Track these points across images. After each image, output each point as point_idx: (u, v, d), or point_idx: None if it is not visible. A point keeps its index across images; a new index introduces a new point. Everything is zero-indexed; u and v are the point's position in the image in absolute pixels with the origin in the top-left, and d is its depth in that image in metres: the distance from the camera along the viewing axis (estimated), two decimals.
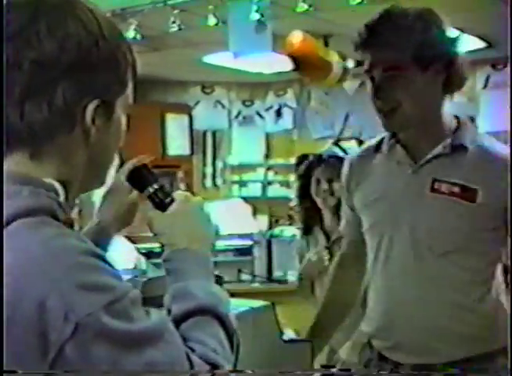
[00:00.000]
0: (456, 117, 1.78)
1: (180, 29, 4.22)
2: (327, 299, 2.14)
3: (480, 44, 5.36)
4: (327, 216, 2.95)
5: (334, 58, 5.00)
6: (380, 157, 1.80)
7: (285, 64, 5.96)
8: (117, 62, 0.97)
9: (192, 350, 0.93)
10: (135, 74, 1.02)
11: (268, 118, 7.40)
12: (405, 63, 1.63)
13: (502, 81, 6.07)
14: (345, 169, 1.92)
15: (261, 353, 2.11)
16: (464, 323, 1.69)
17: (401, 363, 1.74)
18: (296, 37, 4.93)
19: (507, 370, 1.59)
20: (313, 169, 2.95)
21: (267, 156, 7.57)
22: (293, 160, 7.64)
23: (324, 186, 2.85)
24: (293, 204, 7.38)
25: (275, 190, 7.46)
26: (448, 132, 1.72)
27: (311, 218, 3.03)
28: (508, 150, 1.69)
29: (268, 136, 7.54)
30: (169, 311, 1.02)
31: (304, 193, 3.00)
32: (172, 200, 1.13)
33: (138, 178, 1.18)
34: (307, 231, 3.07)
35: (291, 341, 3.04)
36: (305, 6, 4.06)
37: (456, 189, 1.64)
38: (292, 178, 7.41)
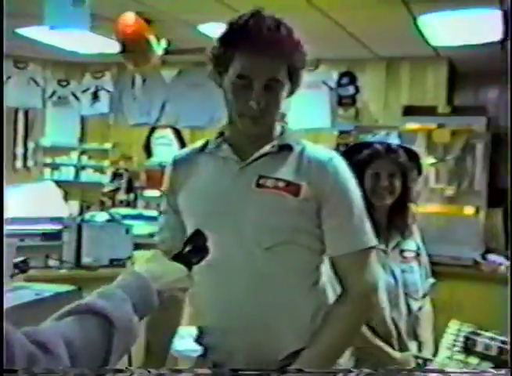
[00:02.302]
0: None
1: None
2: (150, 322, 1.87)
3: None
4: (380, 217, 2.43)
5: (155, 43, 5.00)
6: (206, 156, 1.81)
7: (105, 45, 5.83)
8: None
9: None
10: None
11: (85, 100, 7.18)
12: (285, 74, 1.66)
13: (313, 82, 6.41)
14: (169, 169, 1.88)
15: None
16: (294, 315, 1.73)
17: (237, 367, 1.70)
18: (129, 19, 4.83)
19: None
20: (373, 161, 2.41)
21: (81, 139, 7.37)
22: (108, 145, 7.57)
23: (384, 182, 2.39)
24: (106, 189, 7.28)
25: (88, 175, 7.29)
26: (272, 133, 1.78)
27: None
28: (327, 152, 1.79)
29: (83, 119, 7.34)
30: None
31: None
32: None
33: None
34: None
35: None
36: None
37: (281, 184, 1.70)
38: (106, 163, 7.30)
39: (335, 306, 1.77)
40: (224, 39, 1.68)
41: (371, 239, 1.77)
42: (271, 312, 1.71)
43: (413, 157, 2.46)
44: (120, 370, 1.08)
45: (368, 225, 1.79)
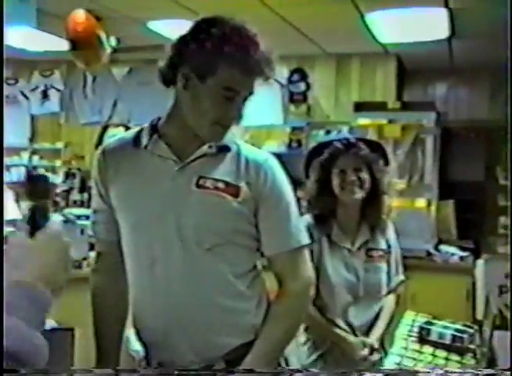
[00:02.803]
0: None
1: None
2: (95, 317, 1.89)
3: None
4: (352, 214, 2.48)
5: (105, 41, 4.95)
6: (140, 151, 1.76)
7: (53, 43, 5.74)
8: None
9: None
10: None
11: (34, 99, 7.03)
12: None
13: None
14: (98, 161, 1.81)
15: None
16: (237, 313, 1.74)
17: (182, 365, 1.71)
18: (79, 17, 4.76)
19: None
20: (335, 159, 2.44)
21: (32, 139, 7.25)
22: (59, 145, 7.45)
23: (351, 177, 2.41)
24: (59, 189, 7.17)
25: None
26: None
27: (327, 211, 2.47)
28: (262, 153, 1.81)
29: (33, 118, 7.21)
30: None
31: (322, 187, 2.46)
32: None
33: None
34: (322, 220, 2.47)
35: (52, 330, 2.97)
36: None
37: (221, 185, 1.70)
38: (58, 163, 7.19)
39: (276, 303, 1.81)
40: (208, 47, 1.63)
41: (305, 237, 1.80)
42: (213, 312, 1.72)
43: (376, 148, 2.47)
44: (81, 370, 1.06)
45: (302, 224, 1.84)
